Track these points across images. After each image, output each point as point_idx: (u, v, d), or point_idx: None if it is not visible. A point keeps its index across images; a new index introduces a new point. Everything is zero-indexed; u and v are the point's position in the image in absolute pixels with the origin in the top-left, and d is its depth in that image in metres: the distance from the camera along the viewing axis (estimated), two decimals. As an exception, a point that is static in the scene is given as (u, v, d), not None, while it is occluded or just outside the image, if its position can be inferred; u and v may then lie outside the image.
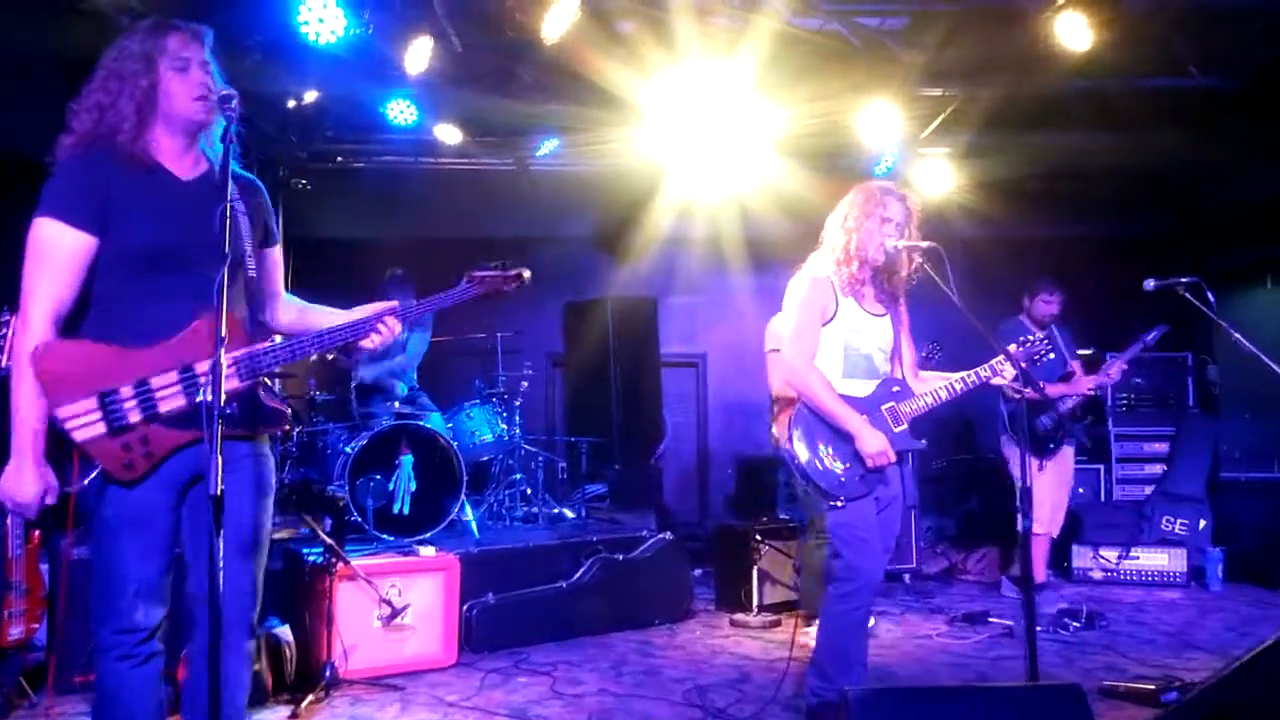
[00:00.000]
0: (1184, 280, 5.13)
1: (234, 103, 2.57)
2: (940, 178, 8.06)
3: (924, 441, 3.95)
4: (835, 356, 3.93)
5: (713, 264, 9.15)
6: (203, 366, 2.54)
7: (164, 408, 2.53)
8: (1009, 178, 8.25)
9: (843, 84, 6.60)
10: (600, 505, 8.09)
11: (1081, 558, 7.40)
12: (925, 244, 3.86)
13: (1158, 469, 8.18)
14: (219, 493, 2.24)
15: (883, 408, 3.90)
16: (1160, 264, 5.81)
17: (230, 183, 2.49)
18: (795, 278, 4.08)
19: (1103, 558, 7.32)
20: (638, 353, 8.89)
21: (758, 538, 6.30)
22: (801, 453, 3.83)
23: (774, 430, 5.49)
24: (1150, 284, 5.52)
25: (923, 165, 7.98)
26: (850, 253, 3.92)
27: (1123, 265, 6.93)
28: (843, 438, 3.81)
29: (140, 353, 2.53)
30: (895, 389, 3.95)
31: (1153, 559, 7.23)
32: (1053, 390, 6.26)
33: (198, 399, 2.52)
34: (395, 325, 2.82)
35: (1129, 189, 8.52)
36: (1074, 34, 5.46)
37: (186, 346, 2.55)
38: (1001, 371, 3.94)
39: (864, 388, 3.93)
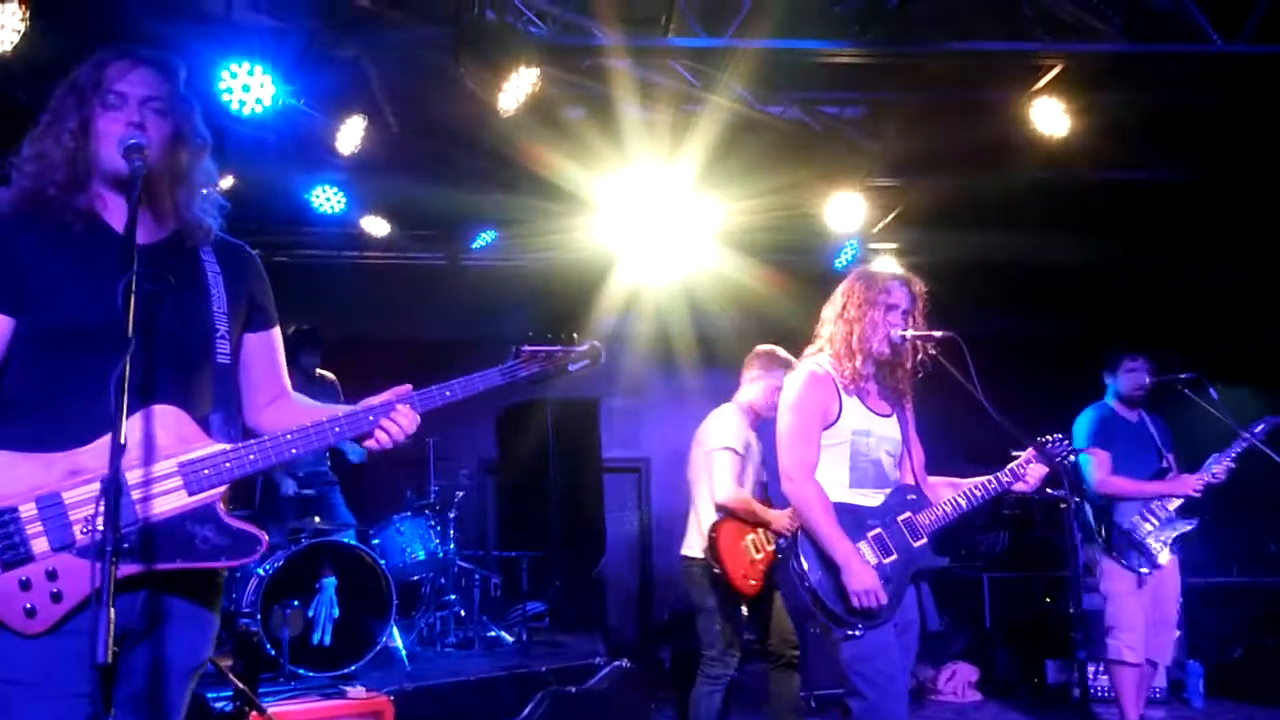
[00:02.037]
0: (1183, 376, 4.89)
1: (144, 152, 2.04)
2: (884, 265, 7.79)
3: (946, 559, 3.47)
4: (840, 464, 3.45)
5: (658, 363, 8.70)
6: (135, 476, 1.96)
7: (80, 533, 1.92)
8: (954, 271, 8.03)
9: (804, 173, 6.31)
10: (540, 625, 7.41)
11: (1057, 672, 6.97)
12: (939, 333, 3.47)
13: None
14: (109, 659, 1.63)
15: (899, 519, 3.42)
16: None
17: (201, 250, 2.11)
18: (789, 376, 3.63)
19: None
20: (578, 458, 8.37)
21: (724, 663, 5.70)
22: (812, 571, 3.31)
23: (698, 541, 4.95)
24: (1149, 380, 5.27)
25: (875, 260, 7.71)
26: (852, 346, 3.49)
27: (1070, 363, 6.71)
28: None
29: (51, 459, 1.94)
30: (911, 497, 3.48)
31: (1130, 673, 6.81)
32: (1149, 489, 5.31)
33: (127, 522, 1.93)
34: (409, 418, 2.24)
35: (1078, 284, 8.40)
36: (1050, 120, 5.26)
37: None
38: (1025, 475, 3.52)
39: (874, 498, 3.45)
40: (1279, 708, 6.45)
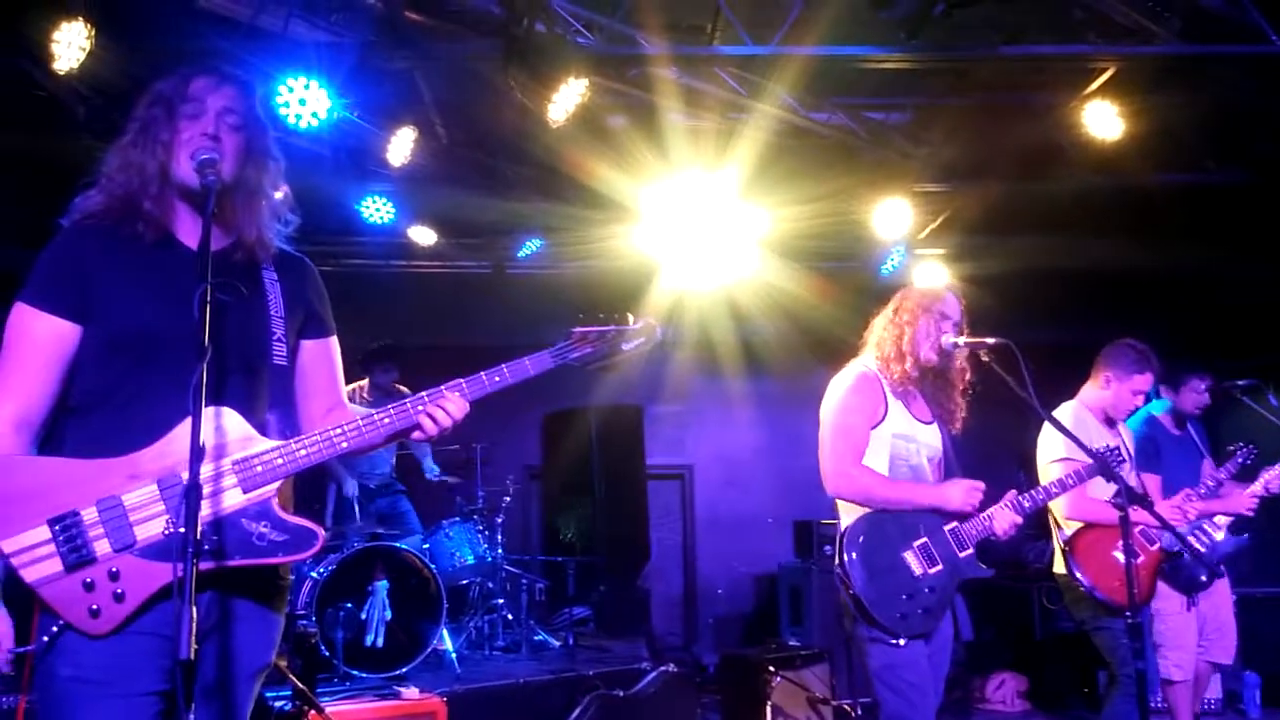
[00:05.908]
0: (1240, 383, 4.79)
1: (217, 166, 2.09)
2: (937, 278, 7.75)
3: (992, 570, 3.44)
4: (879, 465, 3.47)
5: (702, 370, 8.70)
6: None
7: (141, 534, 1.95)
8: (1002, 277, 7.95)
9: (850, 180, 6.30)
10: (585, 630, 7.44)
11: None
12: (992, 340, 3.46)
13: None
14: (191, 656, 1.69)
15: (945, 529, 3.42)
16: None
17: (267, 262, 2.16)
18: (837, 376, 3.63)
19: (1131, 683, 6.78)
20: (622, 464, 8.36)
21: (770, 668, 5.71)
22: (858, 577, 3.30)
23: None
24: (1209, 399, 5.15)
25: (921, 266, 7.67)
26: (902, 349, 3.52)
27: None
28: (900, 566, 3.31)
29: (111, 464, 1.97)
30: None
31: (1185, 685, 6.69)
32: (1204, 508, 4.76)
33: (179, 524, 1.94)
34: (457, 404, 2.24)
35: (1129, 291, 8.26)
36: (1102, 123, 5.21)
37: (173, 453, 1.99)
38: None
39: None
40: (1336, 718, 6.32)
